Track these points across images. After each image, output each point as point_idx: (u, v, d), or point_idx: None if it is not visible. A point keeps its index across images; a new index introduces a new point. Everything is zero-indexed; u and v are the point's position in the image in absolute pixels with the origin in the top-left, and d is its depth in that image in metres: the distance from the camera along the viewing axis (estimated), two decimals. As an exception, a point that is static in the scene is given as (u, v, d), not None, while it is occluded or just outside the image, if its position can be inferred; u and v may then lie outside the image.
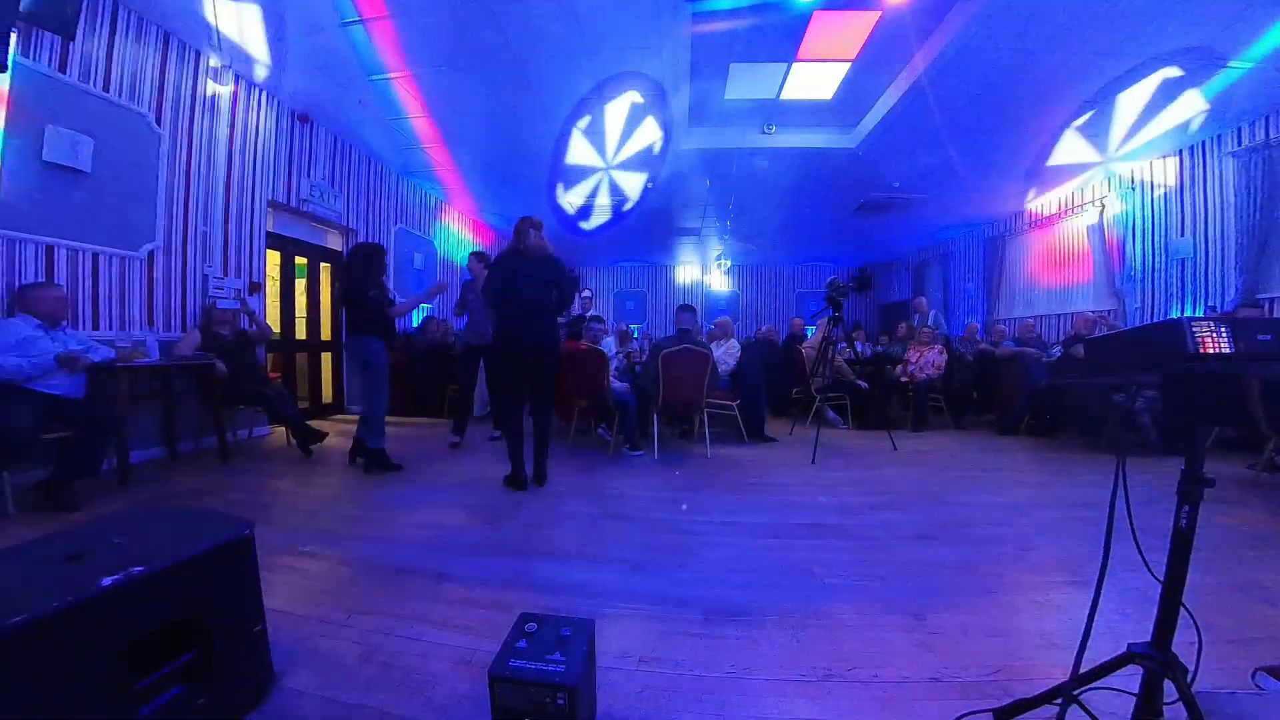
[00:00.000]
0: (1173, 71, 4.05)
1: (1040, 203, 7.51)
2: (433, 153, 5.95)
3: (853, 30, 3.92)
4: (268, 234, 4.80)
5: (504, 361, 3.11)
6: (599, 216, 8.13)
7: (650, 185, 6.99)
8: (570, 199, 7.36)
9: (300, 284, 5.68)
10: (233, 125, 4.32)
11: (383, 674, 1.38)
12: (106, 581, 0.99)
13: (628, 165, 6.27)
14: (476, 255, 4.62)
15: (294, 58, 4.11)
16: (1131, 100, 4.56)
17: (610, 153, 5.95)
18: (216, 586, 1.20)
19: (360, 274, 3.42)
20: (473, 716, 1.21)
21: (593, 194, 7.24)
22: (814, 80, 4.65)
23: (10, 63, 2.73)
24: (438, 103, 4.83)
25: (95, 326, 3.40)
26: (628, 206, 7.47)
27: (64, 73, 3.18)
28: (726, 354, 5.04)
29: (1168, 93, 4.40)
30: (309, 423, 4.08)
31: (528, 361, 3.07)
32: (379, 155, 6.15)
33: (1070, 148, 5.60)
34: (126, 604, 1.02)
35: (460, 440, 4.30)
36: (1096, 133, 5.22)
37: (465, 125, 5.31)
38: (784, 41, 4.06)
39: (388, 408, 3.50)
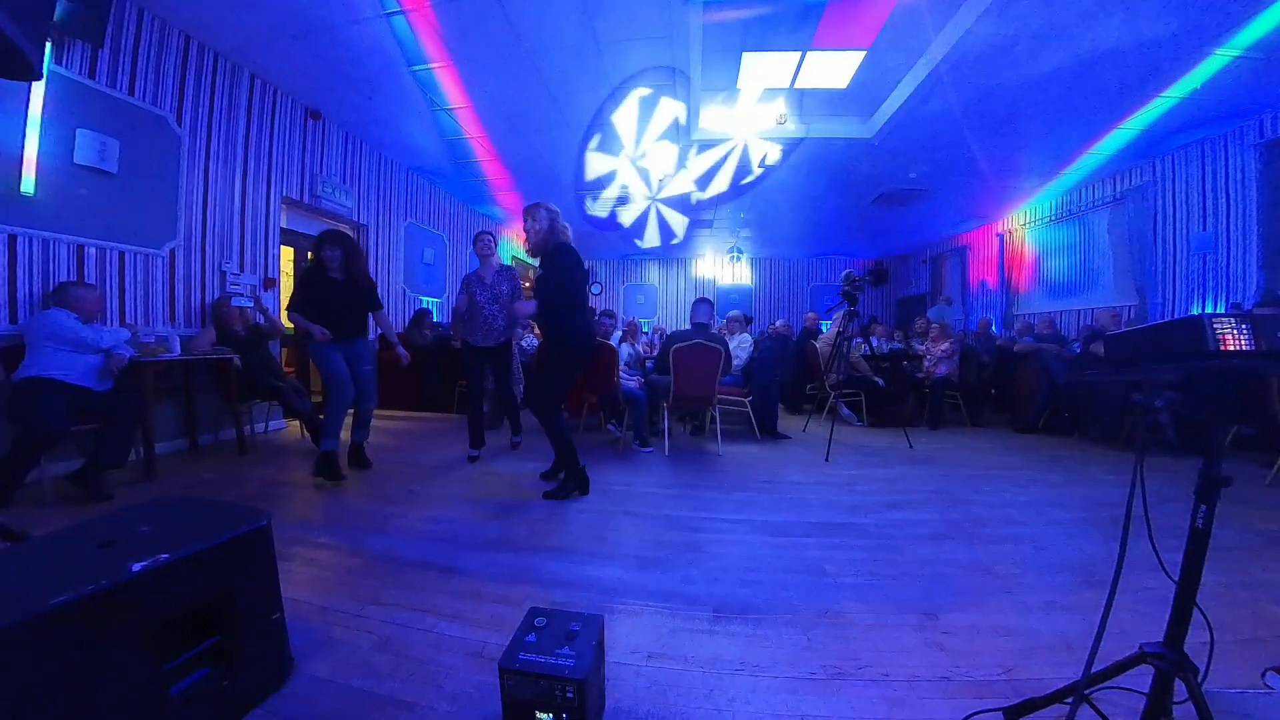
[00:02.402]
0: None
1: (1060, 195, 7.33)
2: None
3: (868, 17, 3.85)
4: (281, 230, 4.89)
5: (580, 362, 2.90)
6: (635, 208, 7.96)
7: (662, 178, 6.96)
8: (599, 207, 7.25)
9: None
10: (248, 123, 4.41)
11: (396, 663, 1.41)
12: (136, 567, 1.04)
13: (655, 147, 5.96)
14: (492, 235, 3.84)
15: (306, 54, 4.15)
16: (1149, 89, 4.41)
17: (631, 147, 5.80)
18: (237, 575, 1.24)
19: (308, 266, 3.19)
20: (484, 706, 1.23)
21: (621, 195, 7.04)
22: (829, 69, 4.57)
23: (45, 71, 2.82)
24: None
25: (121, 322, 3.51)
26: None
27: (93, 78, 3.28)
28: (739, 348, 5.02)
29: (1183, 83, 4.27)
30: (322, 417, 4.15)
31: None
32: (389, 151, 6.22)
33: (1089, 138, 5.45)
34: (154, 589, 1.07)
35: (479, 454, 3.74)
36: (1117, 124, 5.08)
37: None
38: (797, 29, 4.00)
39: (344, 411, 3.18)
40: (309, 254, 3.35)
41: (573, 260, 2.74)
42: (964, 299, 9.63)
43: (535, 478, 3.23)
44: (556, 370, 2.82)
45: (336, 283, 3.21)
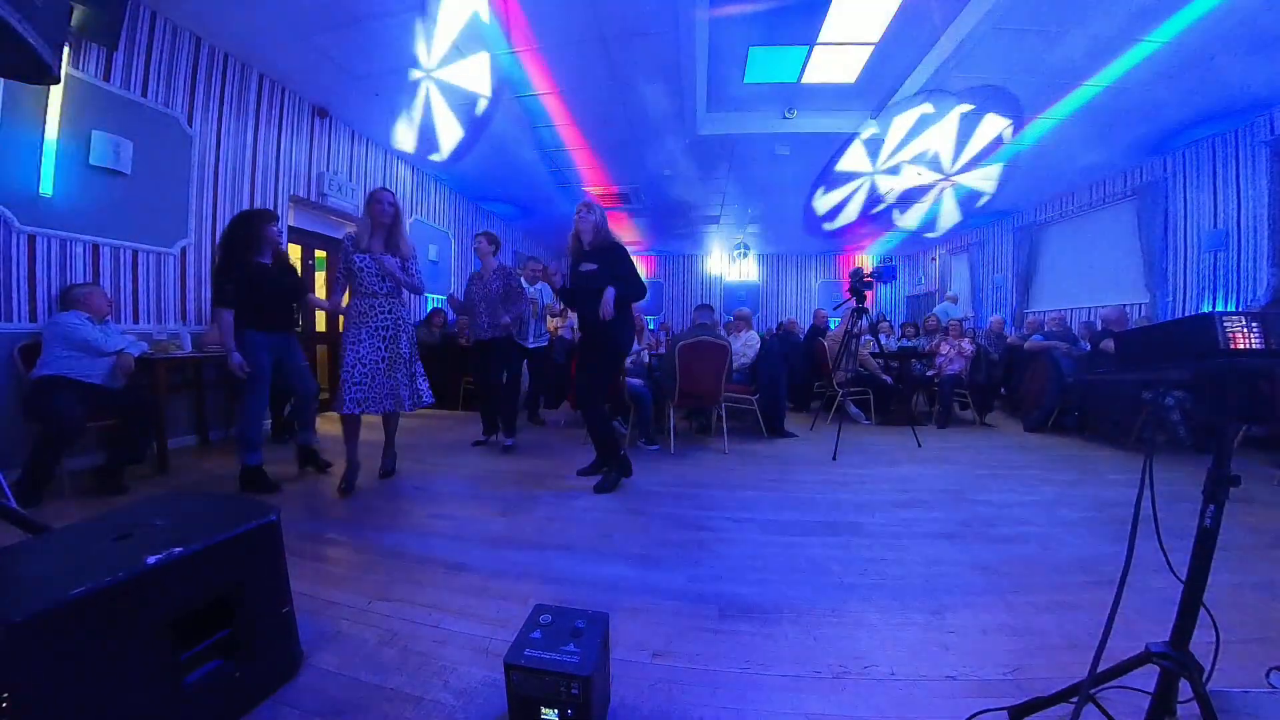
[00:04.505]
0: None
1: (1072, 192, 7.24)
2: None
3: (877, 11, 3.82)
4: (289, 228, 4.94)
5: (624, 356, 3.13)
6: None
7: (668, 174, 6.95)
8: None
9: (320, 277, 5.84)
10: (256, 122, 4.45)
11: (403, 658, 1.43)
12: (151, 560, 1.06)
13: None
14: (487, 236, 4.07)
15: (314, 53, 4.18)
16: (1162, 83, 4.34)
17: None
18: (247, 568, 1.26)
19: (228, 249, 2.84)
20: (490, 701, 1.25)
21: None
22: (837, 63, 4.54)
23: (62, 75, 2.87)
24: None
25: (135, 320, 3.57)
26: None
27: (108, 81, 3.33)
28: (745, 346, 5.01)
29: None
30: (327, 413, 4.17)
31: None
32: (394, 148, 6.25)
33: (1100, 133, 5.38)
34: (168, 581, 1.09)
35: (486, 440, 4.14)
36: (1126, 119, 5.01)
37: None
38: (805, 24, 3.98)
39: (262, 415, 2.99)
40: (226, 238, 2.89)
41: (630, 261, 2.93)
42: (973, 297, 9.54)
43: (541, 475, 3.26)
44: (604, 365, 2.98)
45: (267, 268, 2.90)
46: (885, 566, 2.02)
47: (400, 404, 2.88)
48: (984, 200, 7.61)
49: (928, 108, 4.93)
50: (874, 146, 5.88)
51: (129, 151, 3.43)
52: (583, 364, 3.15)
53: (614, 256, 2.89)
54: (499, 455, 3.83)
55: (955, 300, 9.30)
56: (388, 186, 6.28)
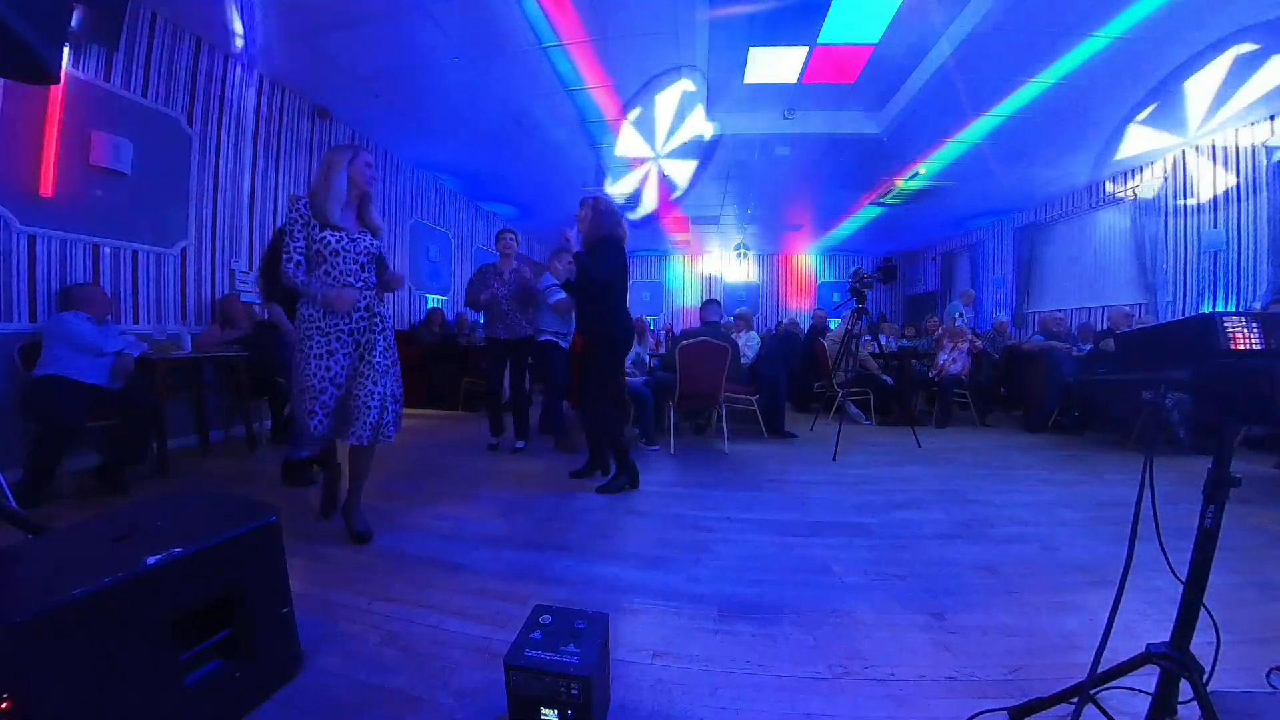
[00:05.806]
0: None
1: (1072, 191, 7.24)
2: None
3: (877, 11, 3.82)
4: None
5: (618, 350, 2.94)
6: (646, 206, 8.35)
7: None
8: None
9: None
10: (256, 122, 4.45)
11: (403, 658, 1.42)
12: (151, 560, 1.06)
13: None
14: (514, 234, 4.01)
15: (314, 54, 4.18)
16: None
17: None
18: (247, 569, 1.26)
19: (266, 267, 3.04)
20: (489, 702, 1.25)
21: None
22: (837, 63, 4.54)
23: (62, 75, 2.87)
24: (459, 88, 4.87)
25: (135, 320, 3.57)
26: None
27: (108, 81, 3.33)
28: (745, 346, 5.02)
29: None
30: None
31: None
32: (395, 149, 6.25)
33: (1103, 133, 5.38)
34: (168, 582, 1.09)
35: (498, 442, 3.99)
36: (1131, 119, 5.01)
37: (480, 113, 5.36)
38: (805, 24, 3.98)
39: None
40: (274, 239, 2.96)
41: (610, 252, 2.79)
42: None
43: (541, 476, 3.25)
44: (595, 362, 2.91)
45: None
46: (885, 566, 2.01)
47: (378, 431, 2.15)
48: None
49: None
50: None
51: (129, 152, 3.43)
52: (581, 365, 3.15)
53: (598, 250, 2.79)
54: (499, 456, 3.82)
55: (972, 299, 9.12)
56: (389, 186, 6.30)
